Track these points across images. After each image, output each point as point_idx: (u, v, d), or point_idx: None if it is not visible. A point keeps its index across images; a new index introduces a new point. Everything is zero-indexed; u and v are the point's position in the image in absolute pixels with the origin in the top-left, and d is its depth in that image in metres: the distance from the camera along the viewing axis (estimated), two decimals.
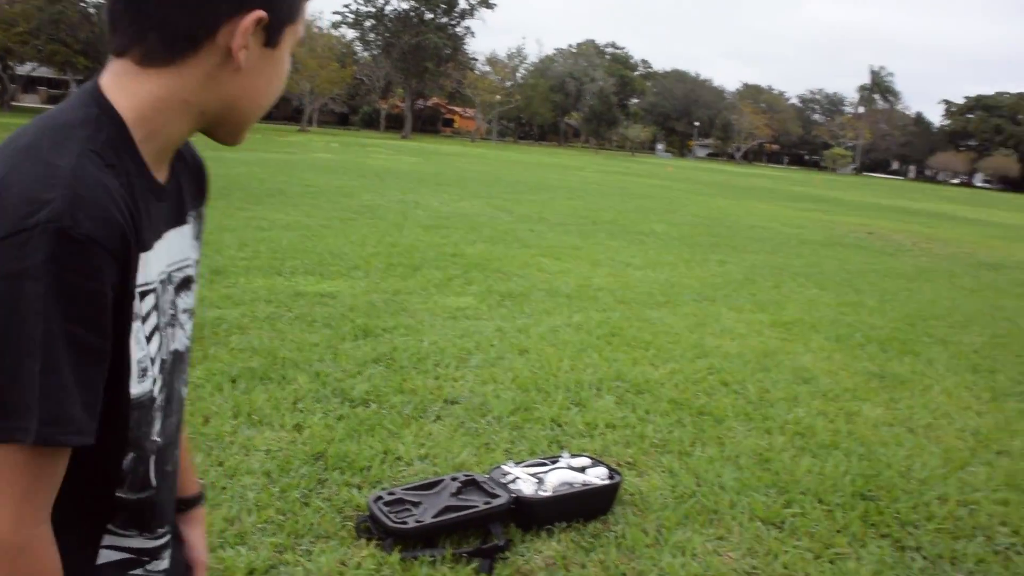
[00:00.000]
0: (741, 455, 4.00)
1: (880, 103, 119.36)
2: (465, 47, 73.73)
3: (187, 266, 0.99)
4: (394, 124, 73.70)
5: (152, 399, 0.92)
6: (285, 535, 2.90)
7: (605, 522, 3.23)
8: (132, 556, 0.97)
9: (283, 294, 6.34)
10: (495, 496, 3.09)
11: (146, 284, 0.87)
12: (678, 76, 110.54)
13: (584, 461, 3.48)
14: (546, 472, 3.34)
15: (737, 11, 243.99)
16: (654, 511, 3.35)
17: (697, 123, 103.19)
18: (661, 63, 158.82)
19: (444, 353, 5.16)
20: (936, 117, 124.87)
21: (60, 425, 0.76)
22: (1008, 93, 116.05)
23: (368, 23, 69.71)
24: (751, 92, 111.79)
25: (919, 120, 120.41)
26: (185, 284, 0.99)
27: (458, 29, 71.30)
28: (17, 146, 0.81)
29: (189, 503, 1.23)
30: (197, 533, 1.24)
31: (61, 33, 43.30)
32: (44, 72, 53.38)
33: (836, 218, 21.69)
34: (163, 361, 0.93)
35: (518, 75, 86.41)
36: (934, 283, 10.84)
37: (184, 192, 0.99)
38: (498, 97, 78.37)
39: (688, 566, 2.98)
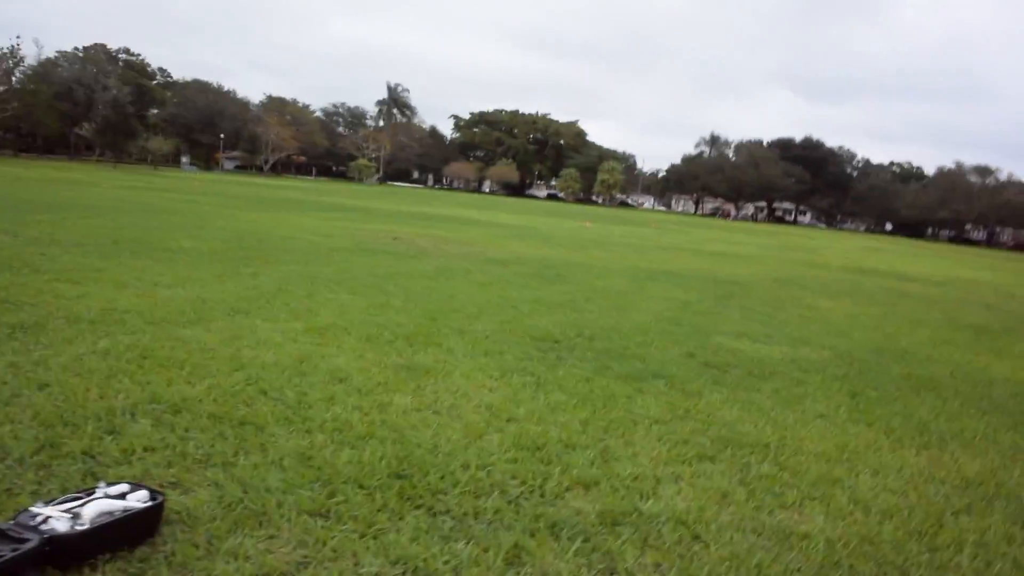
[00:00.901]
0: (284, 457, 4.16)
1: (398, 117, 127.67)
2: None
3: None
4: None
5: None
6: None
7: (153, 545, 3.17)
8: None
9: None
10: (23, 541, 2.88)
11: None
12: (200, 86, 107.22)
13: (123, 488, 3.37)
14: (81, 506, 3.18)
15: (260, 22, 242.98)
16: (203, 524, 3.37)
17: (223, 135, 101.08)
18: (182, 72, 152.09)
19: None
20: (448, 130, 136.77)
21: None
22: (505, 110, 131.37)
23: None
24: (276, 104, 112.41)
25: (433, 133, 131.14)
26: None
27: None
28: None
29: None
30: None
31: None
32: None
33: (364, 226, 22.84)
34: None
35: (14, 80, 77.16)
36: (452, 280, 12.01)
37: None
38: None
39: (242, 569, 3.07)
